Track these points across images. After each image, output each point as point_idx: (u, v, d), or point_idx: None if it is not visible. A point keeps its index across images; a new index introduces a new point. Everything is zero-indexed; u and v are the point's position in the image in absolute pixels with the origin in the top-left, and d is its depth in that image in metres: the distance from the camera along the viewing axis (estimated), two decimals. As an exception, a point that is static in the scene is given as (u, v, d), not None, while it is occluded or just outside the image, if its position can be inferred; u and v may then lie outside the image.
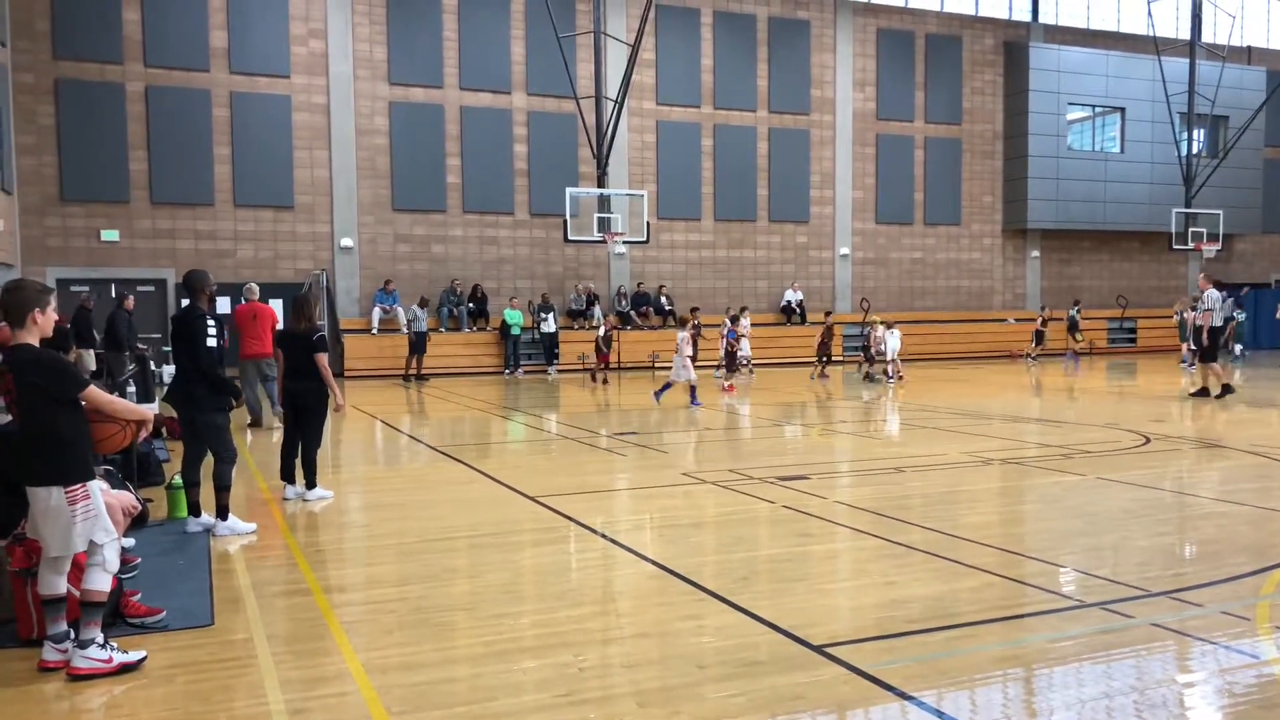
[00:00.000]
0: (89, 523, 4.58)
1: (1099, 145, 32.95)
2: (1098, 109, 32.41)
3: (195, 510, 7.42)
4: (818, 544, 6.94)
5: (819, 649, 4.64)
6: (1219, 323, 17.01)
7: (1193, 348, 21.66)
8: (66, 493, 4.52)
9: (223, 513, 7.27)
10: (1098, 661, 4.51)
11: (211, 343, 7.23)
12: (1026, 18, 31.65)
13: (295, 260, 23.96)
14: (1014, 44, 31.05)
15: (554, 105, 25.72)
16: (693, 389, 16.45)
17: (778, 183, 28.58)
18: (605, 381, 21.23)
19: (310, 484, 8.55)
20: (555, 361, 24.58)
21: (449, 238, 25.42)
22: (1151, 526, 7.36)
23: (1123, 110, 32.00)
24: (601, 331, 21.45)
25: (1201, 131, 32.57)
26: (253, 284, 14.59)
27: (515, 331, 24.22)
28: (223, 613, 5.34)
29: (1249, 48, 34.05)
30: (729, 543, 7.01)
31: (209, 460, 7.45)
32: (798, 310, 28.22)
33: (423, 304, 22.71)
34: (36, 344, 4.65)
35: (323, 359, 8.35)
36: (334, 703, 4.14)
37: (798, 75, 28.70)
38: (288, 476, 8.63)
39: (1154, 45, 30.21)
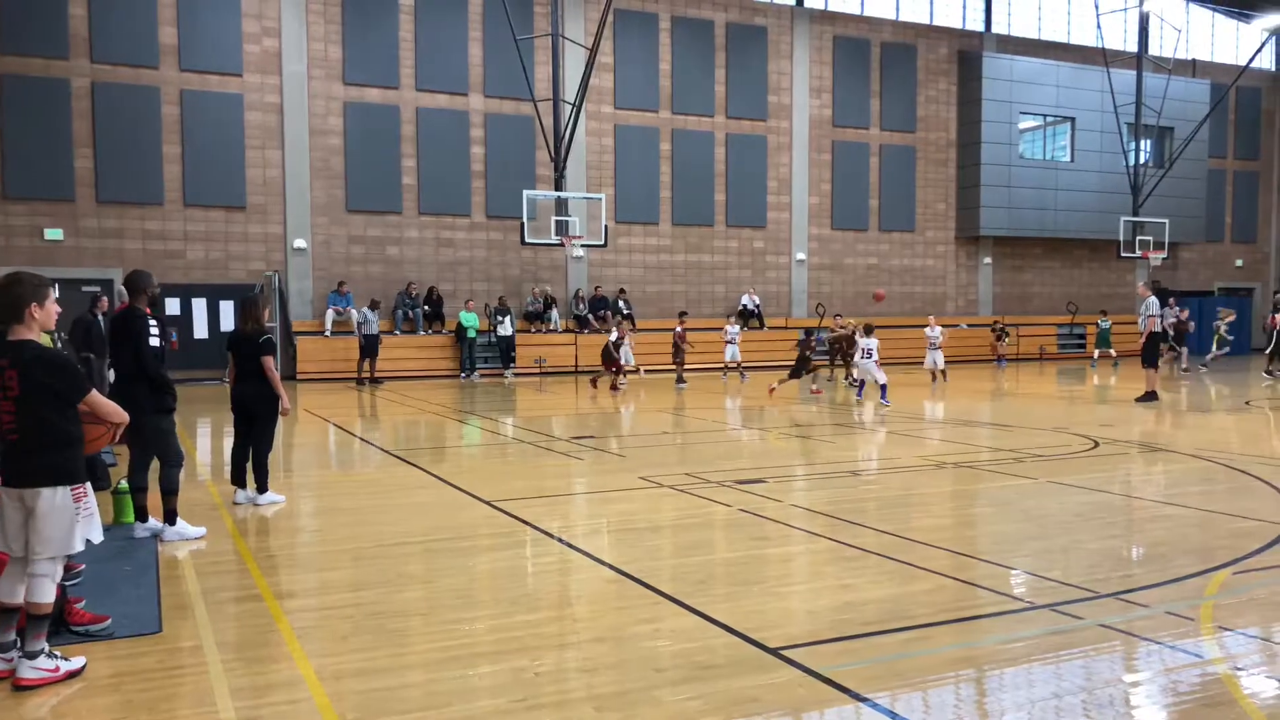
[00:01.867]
0: (87, 521, 4.53)
1: (1050, 154, 33.53)
2: (1048, 118, 32.97)
3: (142, 515, 7.27)
4: (774, 547, 6.98)
5: (775, 651, 4.66)
6: (1159, 329, 17.40)
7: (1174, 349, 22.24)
8: (72, 491, 4.46)
9: (170, 517, 7.14)
10: (1048, 662, 4.57)
11: (154, 343, 7.08)
12: (980, 27, 32.13)
13: (247, 261, 23.61)
14: (967, 53, 31.50)
15: (511, 108, 25.63)
16: (861, 384, 17.78)
17: (735, 188, 28.72)
18: (616, 387, 20.31)
19: (261, 488, 8.42)
20: (512, 365, 24.47)
21: (404, 239, 25.20)
22: (1100, 529, 7.49)
23: (1073, 120, 32.58)
24: (613, 336, 20.64)
25: (1148, 142, 33.31)
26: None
27: (471, 334, 24.06)
28: (171, 620, 5.24)
29: (1193, 61, 34.88)
30: (686, 546, 7.02)
31: (157, 464, 7.30)
32: (755, 314, 28.37)
33: (373, 306, 22.45)
34: (38, 339, 4.52)
35: (269, 362, 8.23)
36: (286, 710, 4.07)
37: (755, 81, 28.87)
38: (238, 480, 8.49)
39: (1103, 57, 30.83)
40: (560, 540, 7.10)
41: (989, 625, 5.18)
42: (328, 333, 23.64)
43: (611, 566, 6.30)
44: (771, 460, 11.57)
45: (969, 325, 31.24)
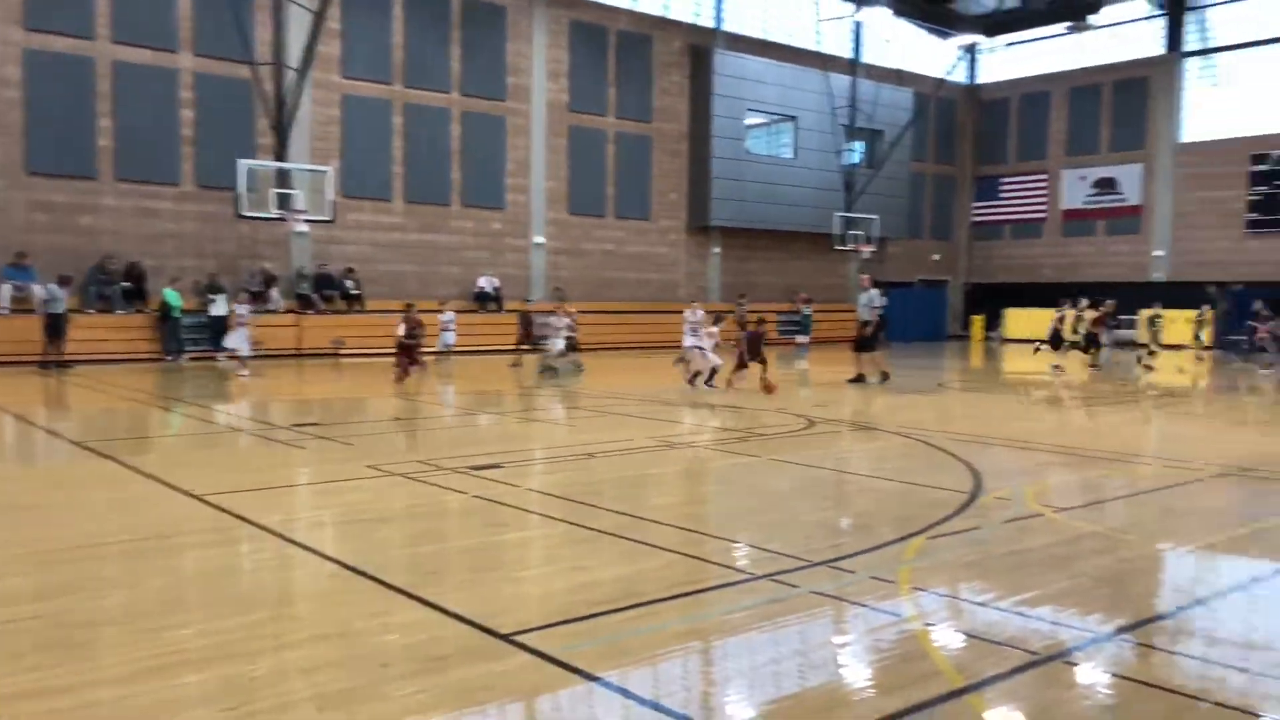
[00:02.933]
0: None
1: (774, 150, 35.59)
2: (773, 116, 34.93)
3: None
4: (509, 532, 6.91)
5: (507, 638, 4.59)
6: (873, 317, 18.47)
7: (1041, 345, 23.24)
8: None
9: None
10: (766, 630, 4.81)
11: None
12: (711, 24, 33.42)
13: (-97, 226, 20.46)
14: (700, 48, 32.70)
15: (227, 69, 23.77)
16: (713, 372, 16.83)
17: (471, 167, 28.28)
18: (401, 380, 17.42)
19: (-82, 488, 7.29)
20: (225, 348, 22.78)
21: (99, 207, 22.77)
22: (815, 502, 8.02)
23: (795, 119, 34.67)
24: (401, 330, 17.82)
25: (860, 144, 36.15)
26: None
27: (176, 314, 22.14)
28: None
29: (900, 70, 38.06)
30: (417, 536, 6.81)
31: None
32: (494, 298, 28.11)
33: (62, 282, 20.03)
34: None
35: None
36: (-61, 745, 3.52)
37: (492, 60, 28.52)
38: (-113, 480, 7.30)
39: (821, 61, 33.03)
40: (279, 535, 6.65)
41: (714, 598, 5.36)
42: (5, 310, 20.95)
43: (336, 561, 5.97)
44: (508, 445, 11.48)
45: (704, 312, 32.50)
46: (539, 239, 29.75)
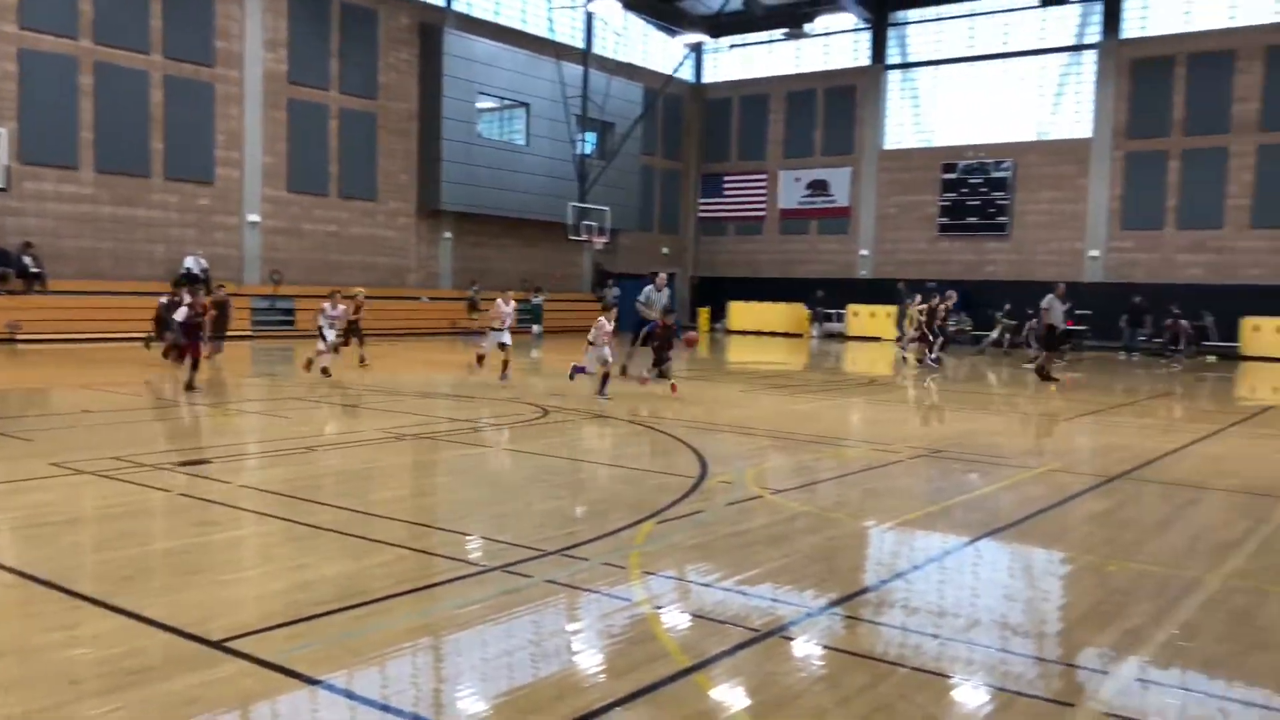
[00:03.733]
0: None
1: (507, 136, 35.37)
2: (505, 101, 34.70)
3: None
4: (220, 532, 6.41)
5: (218, 644, 4.27)
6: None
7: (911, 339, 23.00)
8: None
9: None
10: (500, 622, 4.75)
11: None
12: (442, 2, 32.63)
13: None
14: (429, 26, 31.85)
15: (-126, 7, 20.46)
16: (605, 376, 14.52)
17: (176, 137, 25.96)
18: (192, 387, 14.01)
19: None
20: None
21: None
22: (549, 491, 8.04)
23: (528, 106, 34.62)
24: (163, 298, 14.91)
25: (593, 134, 36.71)
26: None
27: None
28: None
29: (630, 64, 38.98)
30: (112, 539, 6.16)
31: None
32: (201, 279, 25.99)
33: None
34: None
35: None
36: None
37: (200, 22, 26.31)
38: None
39: (554, 49, 33.14)
40: (-61, 543, 5.79)
41: (445, 592, 5.25)
42: None
43: (12, 569, 5.30)
44: (219, 439, 10.68)
45: (430, 299, 31.84)
46: (253, 217, 27.86)
